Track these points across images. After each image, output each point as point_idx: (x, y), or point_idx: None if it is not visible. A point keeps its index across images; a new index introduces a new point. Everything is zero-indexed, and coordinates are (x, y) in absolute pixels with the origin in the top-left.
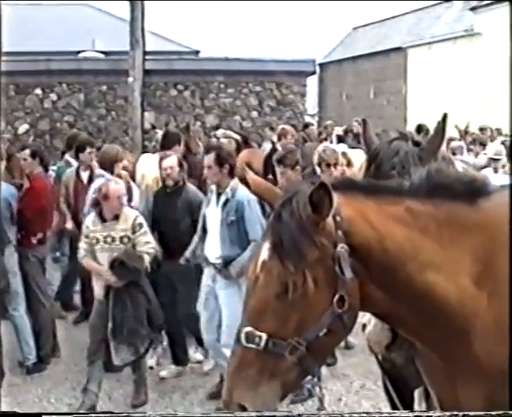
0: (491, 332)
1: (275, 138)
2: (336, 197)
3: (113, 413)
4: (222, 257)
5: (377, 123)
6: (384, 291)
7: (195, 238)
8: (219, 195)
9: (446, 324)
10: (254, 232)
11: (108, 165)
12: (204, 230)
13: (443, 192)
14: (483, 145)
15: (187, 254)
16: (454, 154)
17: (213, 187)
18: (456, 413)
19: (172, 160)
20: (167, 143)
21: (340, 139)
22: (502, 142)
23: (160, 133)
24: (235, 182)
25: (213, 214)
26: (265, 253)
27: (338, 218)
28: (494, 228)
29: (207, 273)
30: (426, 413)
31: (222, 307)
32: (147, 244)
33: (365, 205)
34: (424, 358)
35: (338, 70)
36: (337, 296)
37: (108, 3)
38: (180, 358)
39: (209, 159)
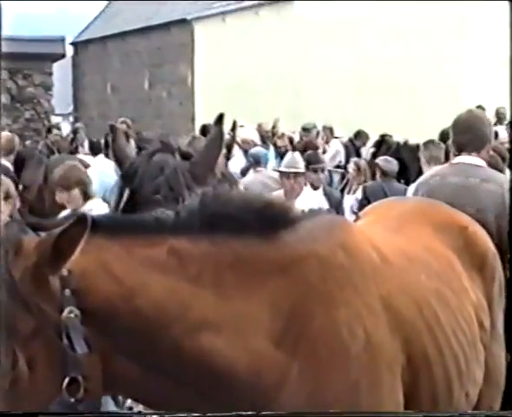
0: (303, 407)
1: None
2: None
3: (113, 412)
4: None
5: (154, 124)
6: (140, 366)
7: None
8: None
9: (236, 401)
10: None
11: None
12: None
13: (225, 225)
14: (306, 150)
15: None
16: (258, 164)
17: None
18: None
19: None
20: None
21: (93, 148)
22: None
23: None
24: None
25: None
26: None
27: (64, 272)
28: (300, 267)
29: None
30: (424, 414)
31: None
32: None
33: (108, 250)
34: None
35: (100, 52)
36: (66, 380)
37: None
38: None
39: None
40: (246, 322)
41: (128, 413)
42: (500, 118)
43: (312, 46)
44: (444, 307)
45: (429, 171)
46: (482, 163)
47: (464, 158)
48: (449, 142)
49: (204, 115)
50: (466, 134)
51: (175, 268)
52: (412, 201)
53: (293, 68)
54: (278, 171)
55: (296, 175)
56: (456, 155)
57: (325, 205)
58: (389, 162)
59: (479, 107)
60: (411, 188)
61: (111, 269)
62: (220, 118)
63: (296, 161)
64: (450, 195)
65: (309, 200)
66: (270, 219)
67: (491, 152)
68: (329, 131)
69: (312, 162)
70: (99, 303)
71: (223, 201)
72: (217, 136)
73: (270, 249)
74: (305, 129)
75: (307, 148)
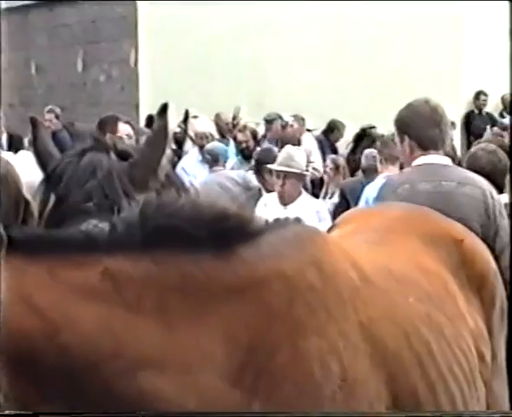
0: None
1: None
2: None
3: (113, 413)
4: None
5: (90, 113)
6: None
7: None
8: None
9: None
10: None
11: None
12: None
13: (171, 240)
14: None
15: None
16: (215, 162)
17: None
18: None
19: None
20: None
21: (13, 143)
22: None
23: None
24: None
25: None
26: None
27: None
28: (261, 290)
29: None
30: (423, 414)
31: None
32: None
33: (27, 274)
34: None
35: (22, 24)
36: None
37: None
38: None
39: None
40: (195, 357)
41: (130, 413)
42: (505, 106)
43: (280, 23)
44: (437, 335)
45: (384, 174)
46: (450, 162)
47: (429, 158)
48: (403, 138)
49: (150, 103)
50: (433, 128)
51: (110, 294)
52: (398, 208)
53: (257, 48)
54: (270, 169)
55: (290, 175)
56: (418, 155)
57: (327, 216)
58: (370, 159)
59: (480, 93)
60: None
61: (31, 299)
62: (165, 108)
63: (292, 157)
64: (424, 205)
65: (306, 208)
66: (225, 233)
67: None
68: (301, 122)
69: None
70: (16, 342)
71: (168, 212)
72: (160, 131)
73: (225, 269)
74: (268, 121)
75: (284, 142)
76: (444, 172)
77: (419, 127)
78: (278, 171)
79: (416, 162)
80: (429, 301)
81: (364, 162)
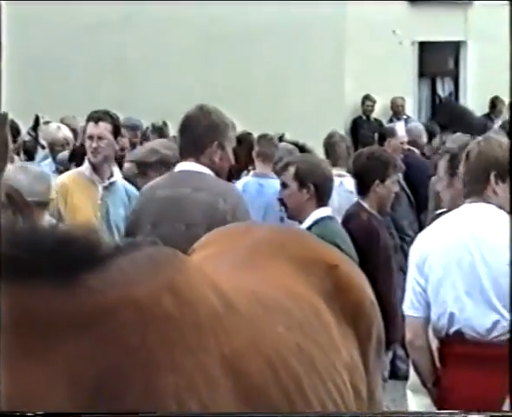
0: None
1: None
2: None
3: (114, 413)
4: None
5: None
6: None
7: None
8: None
9: None
10: None
11: None
12: None
13: (7, 270)
14: None
15: None
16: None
17: None
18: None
19: None
20: None
21: None
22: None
23: None
24: None
25: None
26: None
27: None
28: (109, 321)
29: None
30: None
31: None
32: None
33: None
34: None
35: None
36: None
37: None
38: None
39: None
40: (32, 401)
41: (129, 413)
42: (395, 111)
43: (144, 22)
44: (309, 369)
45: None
46: (204, 169)
47: (186, 165)
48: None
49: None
50: (185, 134)
51: None
52: (268, 229)
53: (119, 47)
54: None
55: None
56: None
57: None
58: None
59: (367, 98)
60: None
61: None
62: (4, 118)
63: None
64: (157, 212)
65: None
66: (68, 259)
67: None
68: (159, 131)
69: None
70: None
71: (6, 237)
72: None
73: (67, 300)
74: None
75: None
76: (188, 179)
77: (179, 134)
78: None
79: (174, 169)
80: (301, 330)
81: None
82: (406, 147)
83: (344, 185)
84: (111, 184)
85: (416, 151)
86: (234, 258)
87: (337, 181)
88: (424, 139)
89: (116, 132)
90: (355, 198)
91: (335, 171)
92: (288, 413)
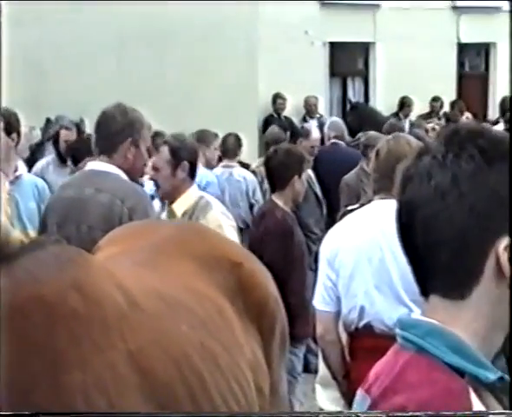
0: None
1: None
2: None
3: (114, 413)
4: None
5: None
6: None
7: None
8: None
9: None
10: None
11: None
12: None
13: None
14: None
15: None
16: None
17: None
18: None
19: None
20: None
21: None
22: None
23: None
24: None
25: None
26: None
27: None
28: (15, 319)
29: None
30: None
31: None
32: None
33: None
34: None
35: None
36: None
37: None
38: None
39: None
40: None
41: (130, 413)
42: (308, 110)
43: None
44: (212, 366)
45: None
46: (112, 169)
47: (95, 164)
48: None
49: None
50: (100, 131)
51: None
52: (170, 227)
53: (32, 44)
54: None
55: None
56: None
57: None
58: None
59: (277, 96)
60: None
61: None
62: None
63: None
64: (62, 213)
65: None
66: None
67: None
68: (76, 128)
69: None
70: None
71: None
72: None
73: None
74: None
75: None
76: (94, 179)
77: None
78: None
79: (85, 168)
80: (203, 328)
81: None
82: (332, 141)
83: (233, 176)
84: (17, 178)
85: (343, 144)
86: (138, 256)
87: (226, 172)
88: (346, 133)
89: (8, 129)
90: (243, 187)
91: (224, 162)
92: (291, 412)
